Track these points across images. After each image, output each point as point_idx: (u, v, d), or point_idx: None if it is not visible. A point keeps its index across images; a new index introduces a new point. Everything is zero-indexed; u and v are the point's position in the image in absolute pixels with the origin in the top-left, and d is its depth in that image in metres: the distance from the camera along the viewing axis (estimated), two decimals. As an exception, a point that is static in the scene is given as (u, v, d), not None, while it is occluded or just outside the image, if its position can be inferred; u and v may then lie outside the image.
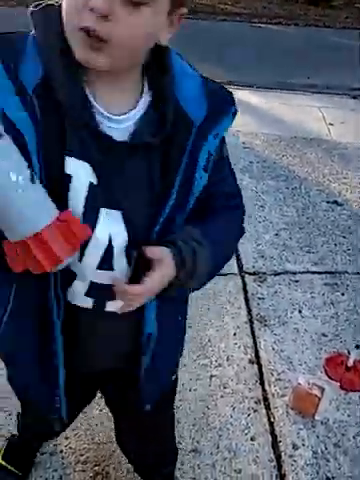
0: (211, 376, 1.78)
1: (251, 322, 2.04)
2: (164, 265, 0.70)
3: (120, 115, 0.69)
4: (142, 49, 0.66)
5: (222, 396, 1.72)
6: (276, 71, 4.89)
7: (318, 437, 1.63)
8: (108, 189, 0.68)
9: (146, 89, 0.72)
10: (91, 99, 0.67)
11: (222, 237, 0.83)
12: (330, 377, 1.83)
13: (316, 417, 1.68)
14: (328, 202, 2.94)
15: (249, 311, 2.10)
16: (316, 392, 1.68)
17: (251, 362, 1.87)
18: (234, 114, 0.78)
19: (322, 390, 1.69)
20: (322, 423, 1.68)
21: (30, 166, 0.61)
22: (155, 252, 0.70)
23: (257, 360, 1.89)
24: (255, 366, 1.86)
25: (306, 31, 7.12)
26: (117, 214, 0.69)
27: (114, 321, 0.77)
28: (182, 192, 0.73)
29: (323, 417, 1.69)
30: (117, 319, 0.75)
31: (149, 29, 0.62)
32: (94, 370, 0.92)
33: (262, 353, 1.91)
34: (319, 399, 1.67)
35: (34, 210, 0.59)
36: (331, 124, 3.95)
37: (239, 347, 1.92)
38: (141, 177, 0.71)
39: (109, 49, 0.60)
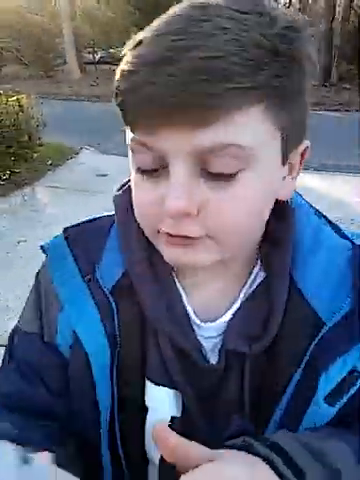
0: None
1: None
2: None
3: (215, 319, 0.51)
4: (256, 225, 0.46)
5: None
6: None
7: None
8: (190, 420, 0.51)
9: (258, 266, 0.52)
10: (183, 300, 0.51)
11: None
12: None
13: None
14: None
15: None
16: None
17: None
18: None
19: None
20: None
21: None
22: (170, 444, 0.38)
23: None
24: None
25: None
26: None
27: None
28: (288, 422, 0.48)
29: None
30: None
31: (257, 198, 0.43)
32: None
33: None
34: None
35: None
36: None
37: None
38: (230, 398, 0.50)
39: (208, 243, 0.43)
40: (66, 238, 0.55)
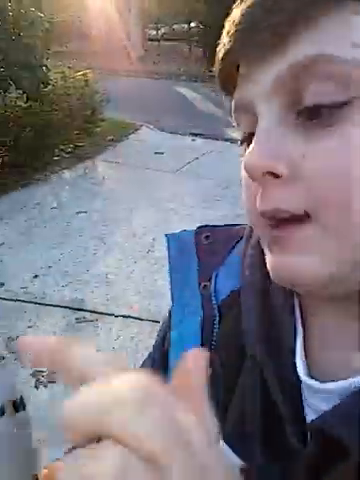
0: None
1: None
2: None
3: (333, 378, 0.32)
4: None
5: None
6: None
7: None
8: None
9: None
10: (297, 346, 0.35)
11: None
12: None
13: None
14: None
15: None
16: None
17: None
18: None
19: None
20: None
21: None
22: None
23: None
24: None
25: None
26: None
27: None
28: None
29: None
30: None
31: None
32: None
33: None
34: None
35: None
36: None
37: None
38: None
39: (311, 232, 0.29)
40: (196, 237, 0.46)
